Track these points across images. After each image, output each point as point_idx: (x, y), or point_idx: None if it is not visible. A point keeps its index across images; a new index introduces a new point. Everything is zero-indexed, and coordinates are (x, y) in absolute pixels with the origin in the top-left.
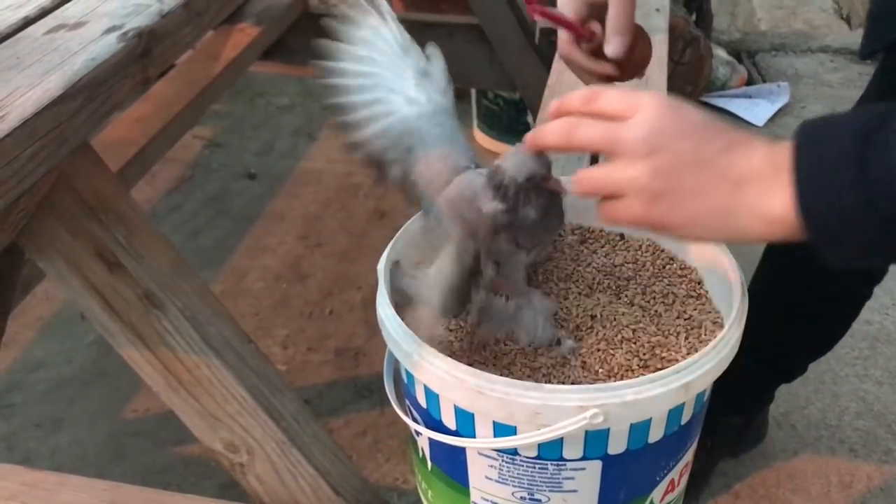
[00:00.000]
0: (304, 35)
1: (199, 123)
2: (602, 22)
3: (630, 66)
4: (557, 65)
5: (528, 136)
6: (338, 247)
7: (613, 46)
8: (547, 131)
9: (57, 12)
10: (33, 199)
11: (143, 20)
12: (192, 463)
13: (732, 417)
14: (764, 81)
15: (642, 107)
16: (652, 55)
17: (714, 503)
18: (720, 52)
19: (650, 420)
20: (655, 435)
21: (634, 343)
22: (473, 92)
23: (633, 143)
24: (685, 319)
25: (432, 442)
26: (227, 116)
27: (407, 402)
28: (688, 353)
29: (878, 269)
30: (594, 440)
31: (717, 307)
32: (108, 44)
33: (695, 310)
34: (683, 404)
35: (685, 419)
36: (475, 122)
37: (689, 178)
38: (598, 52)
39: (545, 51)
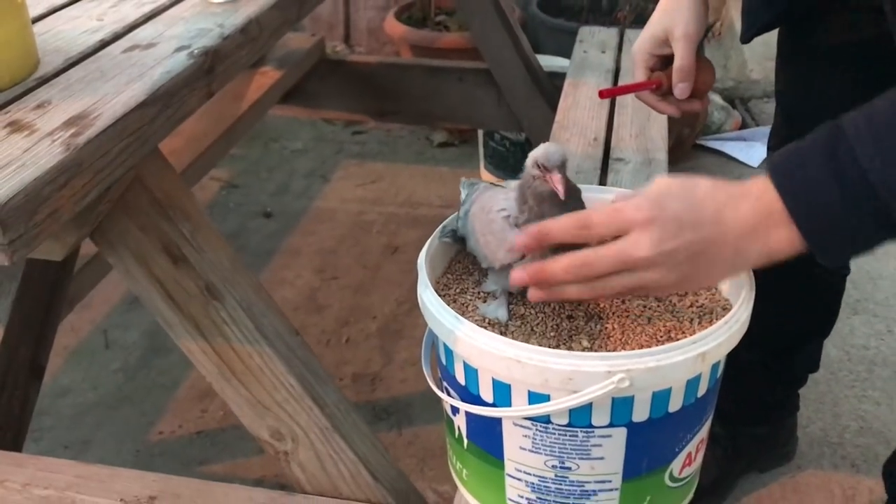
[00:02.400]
0: (322, 80)
1: (215, 166)
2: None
3: (696, 95)
4: (564, 103)
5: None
6: (353, 280)
7: (680, 91)
8: (560, 273)
9: (129, 35)
10: (118, 193)
11: (207, 41)
12: (218, 482)
13: (754, 428)
14: (757, 125)
15: (633, 222)
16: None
17: None
18: (716, 98)
19: (670, 389)
20: (675, 405)
21: (652, 328)
22: (480, 134)
23: (646, 259)
24: (697, 307)
25: (469, 418)
26: (243, 159)
27: (445, 384)
28: None
29: None
30: (620, 407)
31: (725, 296)
32: (179, 60)
33: (706, 299)
34: (700, 376)
35: (701, 391)
36: (482, 162)
37: (701, 262)
38: (668, 93)
39: (551, 93)
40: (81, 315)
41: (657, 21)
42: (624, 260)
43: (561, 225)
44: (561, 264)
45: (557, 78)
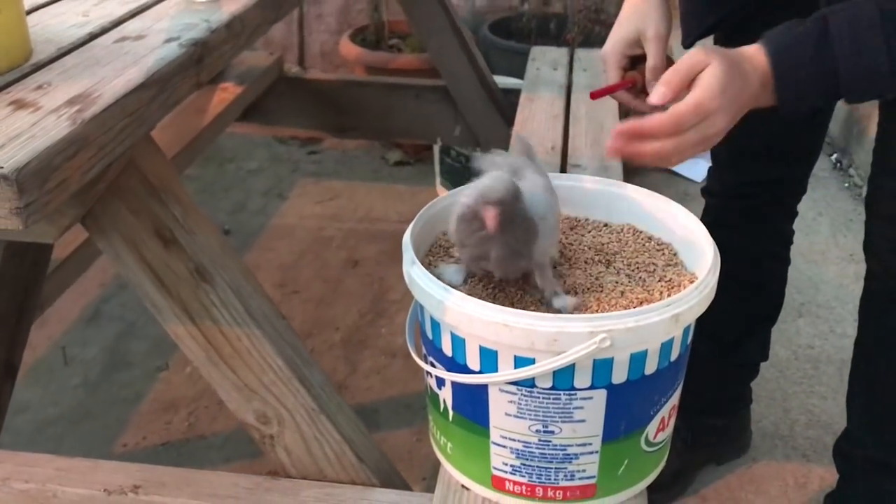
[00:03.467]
0: (280, 97)
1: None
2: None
3: None
4: (521, 115)
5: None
6: (314, 293)
7: (656, 92)
8: (654, 154)
9: (118, 28)
10: (114, 174)
11: (195, 34)
12: (202, 470)
13: (712, 419)
14: None
15: (710, 111)
16: None
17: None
18: None
19: (646, 351)
20: (651, 367)
21: (625, 300)
22: (436, 150)
23: (718, 133)
24: (666, 282)
25: (455, 388)
26: (198, 180)
27: (430, 358)
28: None
29: (788, 229)
30: (601, 369)
31: (691, 272)
32: (171, 49)
33: (674, 274)
34: (673, 339)
35: (674, 355)
36: (438, 178)
37: (737, 118)
38: (640, 91)
39: (506, 109)
40: (38, 332)
41: (627, 23)
42: (703, 138)
43: (656, 127)
44: (659, 121)
45: (512, 94)
